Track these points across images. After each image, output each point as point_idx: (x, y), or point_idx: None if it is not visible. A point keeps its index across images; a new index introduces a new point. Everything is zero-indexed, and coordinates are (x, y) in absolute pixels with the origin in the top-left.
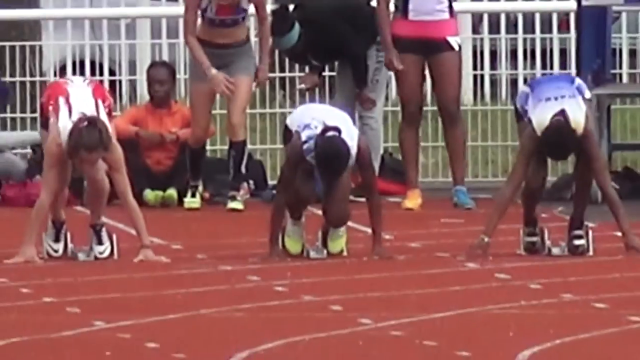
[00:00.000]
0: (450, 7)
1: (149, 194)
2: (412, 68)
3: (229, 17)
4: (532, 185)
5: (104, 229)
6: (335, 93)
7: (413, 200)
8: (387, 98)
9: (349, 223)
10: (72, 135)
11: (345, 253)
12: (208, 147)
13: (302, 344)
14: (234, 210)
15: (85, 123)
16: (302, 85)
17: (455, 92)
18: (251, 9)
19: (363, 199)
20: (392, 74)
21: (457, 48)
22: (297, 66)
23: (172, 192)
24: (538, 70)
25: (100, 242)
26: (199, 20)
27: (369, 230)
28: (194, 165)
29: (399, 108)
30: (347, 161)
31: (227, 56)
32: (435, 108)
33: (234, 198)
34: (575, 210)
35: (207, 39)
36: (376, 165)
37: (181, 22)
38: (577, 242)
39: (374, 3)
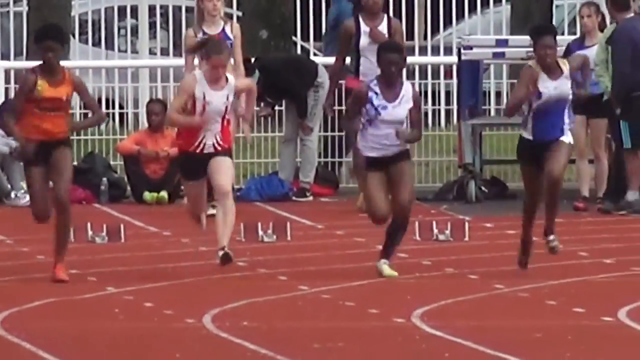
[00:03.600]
0: None
1: (147, 195)
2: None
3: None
4: None
5: None
6: (284, 122)
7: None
8: (320, 127)
9: (293, 215)
10: (206, 48)
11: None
12: None
13: (257, 303)
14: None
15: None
16: (262, 114)
17: None
18: None
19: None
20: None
21: None
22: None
23: (164, 194)
24: (429, 107)
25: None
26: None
27: (308, 222)
28: None
29: (329, 133)
30: (401, 48)
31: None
32: None
33: (214, 206)
34: (546, 222)
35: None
36: (312, 175)
37: (171, 70)
38: (551, 244)
39: (312, 57)
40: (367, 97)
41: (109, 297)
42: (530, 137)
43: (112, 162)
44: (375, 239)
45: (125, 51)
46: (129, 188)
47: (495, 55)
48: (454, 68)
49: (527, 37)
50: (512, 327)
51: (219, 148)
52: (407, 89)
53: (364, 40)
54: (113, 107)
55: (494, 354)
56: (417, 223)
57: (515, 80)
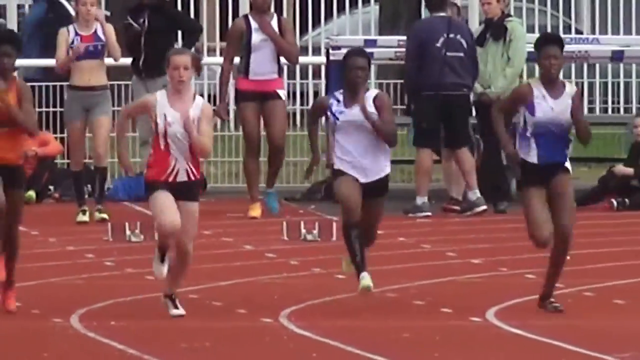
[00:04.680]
0: (279, 69)
1: None
2: (252, 113)
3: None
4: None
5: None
6: (137, 123)
7: (256, 210)
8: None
9: None
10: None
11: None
12: (58, 160)
13: (125, 303)
14: (103, 220)
15: None
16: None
17: (283, 128)
18: None
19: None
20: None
21: (284, 98)
22: None
23: (31, 193)
24: (298, 107)
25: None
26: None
27: None
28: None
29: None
30: (367, 55)
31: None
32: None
33: (100, 211)
34: (547, 285)
35: None
36: None
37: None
38: (555, 305)
39: None
40: (326, 105)
41: None
42: (535, 161)
43: None
44: (243, 238)
45: None
46: None
47: None
48: (323, 68)
49: (396, 38)
50: (380, 327)
51: (192, 177)
52: (368, 97)
53: (255, 37)
54: None
55: (362, 354)
56: (284, 223)
57: (382, 81)
